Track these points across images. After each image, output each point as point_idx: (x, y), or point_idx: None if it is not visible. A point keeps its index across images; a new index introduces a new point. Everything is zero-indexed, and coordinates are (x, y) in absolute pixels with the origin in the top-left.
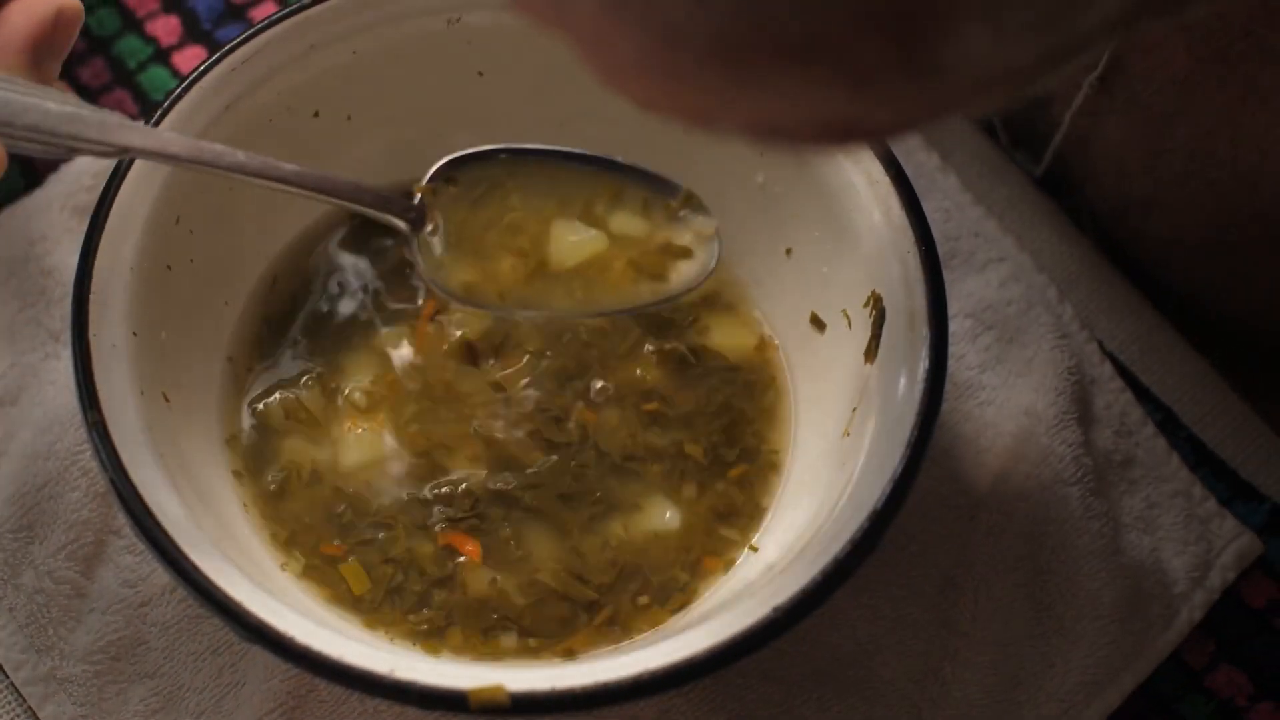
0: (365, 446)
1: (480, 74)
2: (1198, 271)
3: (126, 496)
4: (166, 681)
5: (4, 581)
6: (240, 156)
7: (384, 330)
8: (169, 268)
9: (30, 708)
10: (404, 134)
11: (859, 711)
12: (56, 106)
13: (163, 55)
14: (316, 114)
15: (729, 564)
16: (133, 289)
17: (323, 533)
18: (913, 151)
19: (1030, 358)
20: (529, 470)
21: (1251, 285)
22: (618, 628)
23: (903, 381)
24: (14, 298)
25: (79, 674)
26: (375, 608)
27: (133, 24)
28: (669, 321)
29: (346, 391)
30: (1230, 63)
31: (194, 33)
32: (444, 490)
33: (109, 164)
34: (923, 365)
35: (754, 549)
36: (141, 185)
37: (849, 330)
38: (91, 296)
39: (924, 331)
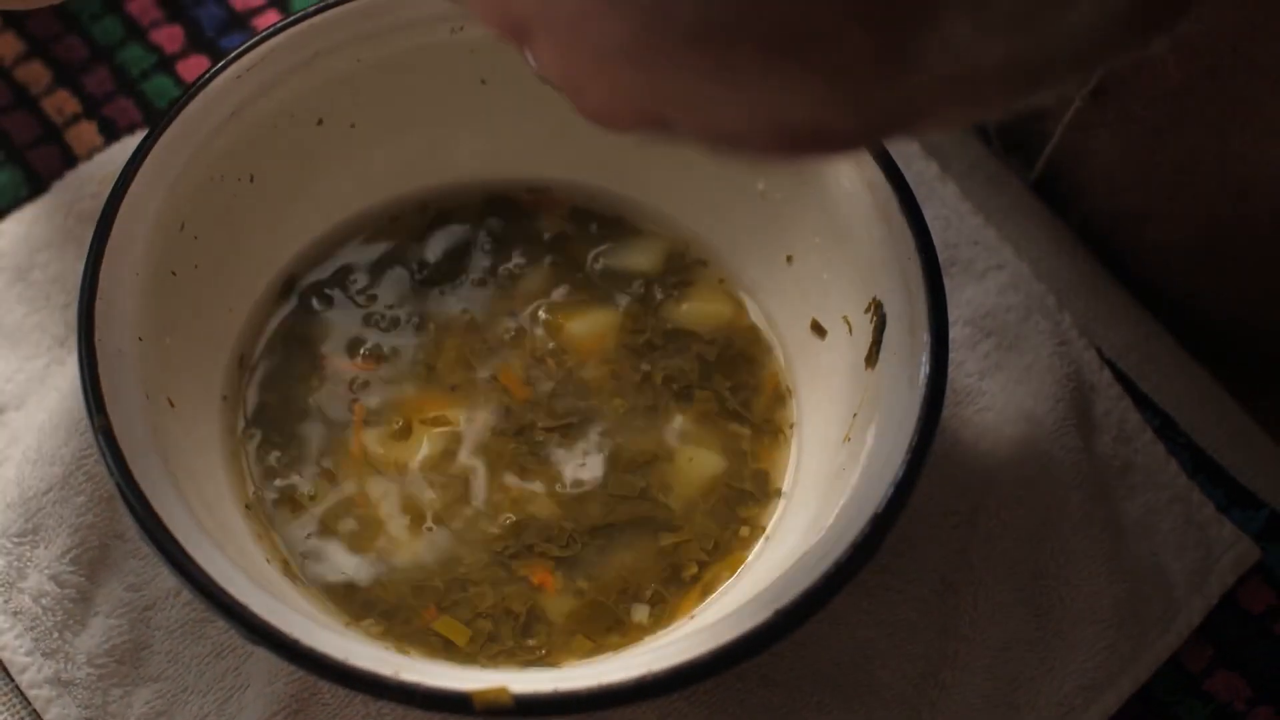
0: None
1: (483, 82)
2: (1190, 281)
3: (132, 500)
4: (170, 685)
5: (9, 585)
6: None
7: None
8: (174, 273)
9: (35, 710)
10: (407, 141)
11: (859, 715)
12: None
13: (166, 64)
14: (320, 122)
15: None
16: (138, 295)
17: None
18: (912, 160)
19: (1029, 364)
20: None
21: (1243, 295)
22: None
23: (903, 387)
24: (19, 303)
25: (83, 677)
26: (472, 656)
27: (136, 33)
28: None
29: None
30: (1219, 77)
31: (198, 42)
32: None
33: (114, 171)
34: (923, 371)
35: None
36: (147, 192)
37: (850, 336)
38: (97, 302)
39: (924, 338)
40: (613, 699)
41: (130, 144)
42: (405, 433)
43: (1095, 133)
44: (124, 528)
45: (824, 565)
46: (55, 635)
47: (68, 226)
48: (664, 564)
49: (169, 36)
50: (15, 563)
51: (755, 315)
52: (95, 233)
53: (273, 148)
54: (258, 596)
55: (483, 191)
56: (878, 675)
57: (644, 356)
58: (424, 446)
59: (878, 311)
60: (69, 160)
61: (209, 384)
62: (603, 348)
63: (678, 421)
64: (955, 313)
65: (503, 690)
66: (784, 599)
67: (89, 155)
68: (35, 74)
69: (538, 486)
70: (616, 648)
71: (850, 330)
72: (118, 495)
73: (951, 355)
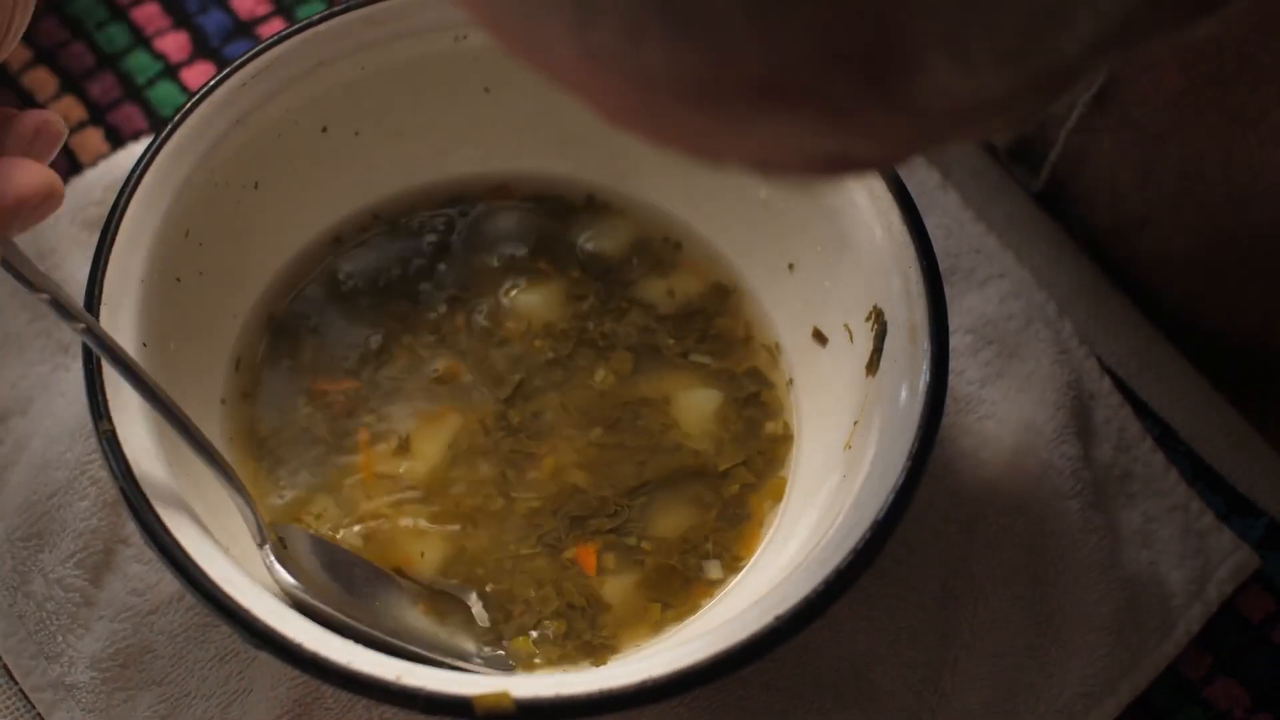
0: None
1: (486, 90)
2: (1190, 289)
3: (136, 504)
4: (174, 688)
5: (13, 589)
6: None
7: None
8: (178, 280)
9: (39, 714)
10: (411, 149)
11: None
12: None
13: (172, 71)
14: (324, 129)
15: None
16: (142, 301)
17: None
18: (914, 169)
19: (1030, 373)
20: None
21: (1243, 303)
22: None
23: (904, 395)
24: (24, 310)
25: (87, 681)
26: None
27: (142, 40)
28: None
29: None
30: (1222, 83)
31: (203, 49)
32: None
33: (119, 177)
34: (924, 379)
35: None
36: (151, 199)
37: (851, 344)
38: (102, 308)
39: (925, 345)
40: (613, 703)
41: (135, 151)
42: (405, 448)
43: (1098, 138)
44: (128, 532)
45: (824, 571)
46: (59, 639)
47: (73, 233)
48: (715, 506)
49: (174, 44)
50: (20, 566)
51: (726, 275)
52: (100, 239)
53: (277, 155)
54: (261, 601)
55: (486, 198)
56: (878, 682)
57: (602, 321)
58: (429, 455)
59: (879, 319)
60: (74, 167)
61: (213, 389)
62: (569, 324)
63: (660, 374)
64: (956, 321)
65: (504, 695)
66: (784, 605)
67: (94, 162)
68: (41, 81)
69: (561, 461)
70: (687, 609)
71: (851, 338)
72: (121, 500)
73: (952, 363)
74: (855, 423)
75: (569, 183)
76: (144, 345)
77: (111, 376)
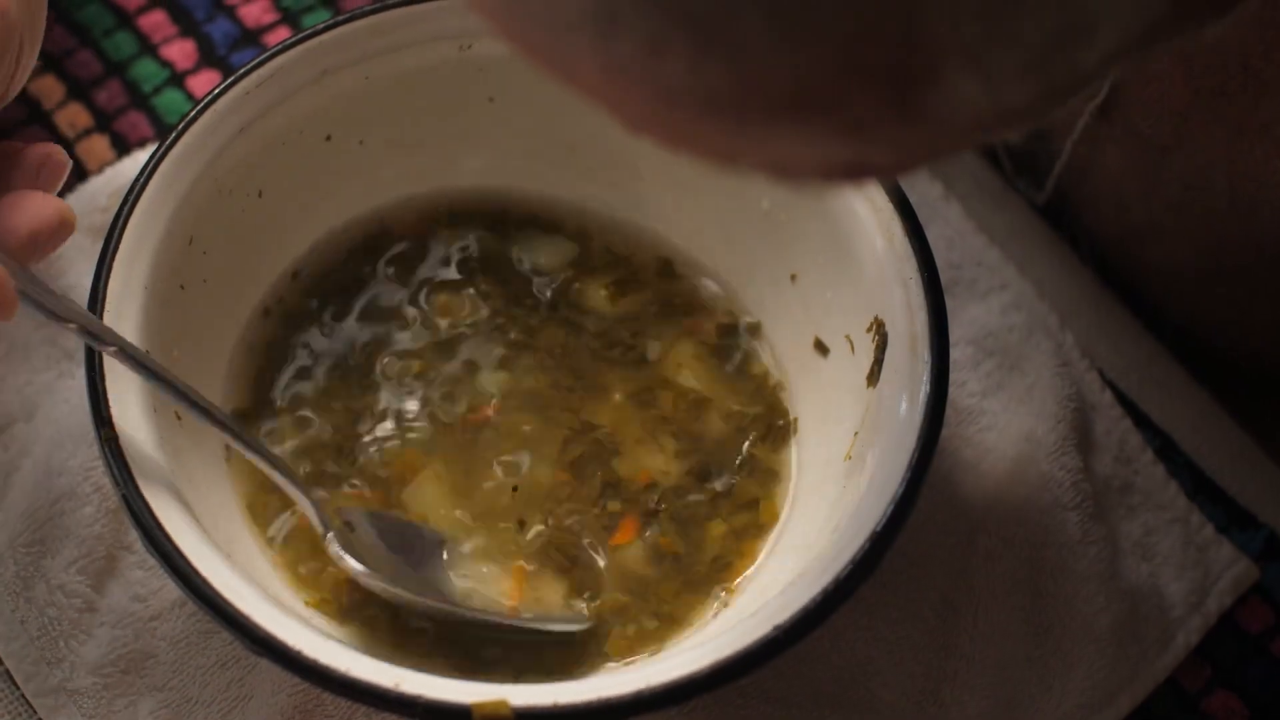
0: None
1: (491, 100)
2: (1194, 301)
3: (138, 512)
4: (175, 695)
5: (16, 594)
6: (185, 392)
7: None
8: (182, 287)
9: (41, 719)
10: (415, 158)
11: None
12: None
13: (178, 79)
14: (329, 138)
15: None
16: (146, 308)
17: None
18: (916, 181)
19: (1031, 384)
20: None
21: (1247, 315)
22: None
23: (904, 406)
24: (29, 316)
25: (89, 686)
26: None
27: (149, 48)
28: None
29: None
30: (1228, 95)
31: (209, 57)
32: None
33: (124, 185)
34: (924, 390)
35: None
36: (156, 206)
37: (852, 355)
38: (105, 316)
39: (925, 357)
40: (611, 713)
41: (141, 158)
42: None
43: (1103, 148)
44: (130, 539)
45: (823, 582)
46: (61, 644)
47: (78, 240)
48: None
49: (181, 52)
50: (22, 572)
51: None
52: (103, 246)
53: (281, 163)
54: (262, 608)
55: (491, 208)
56: (877, 693)
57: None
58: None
59: (880, 331)
60: (80, 174)
61: (216, 397)
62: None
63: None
64: (958, 332)
65: (502, 703)
66: (783, 615)
67: (100, 169)
68: (48, 88)
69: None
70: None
71: (852, 349)
72: (123, 506)
73: (954, 375)
74: (855, 434)
75: (573, 196)
76: (147, 352)
77: (114, 383)
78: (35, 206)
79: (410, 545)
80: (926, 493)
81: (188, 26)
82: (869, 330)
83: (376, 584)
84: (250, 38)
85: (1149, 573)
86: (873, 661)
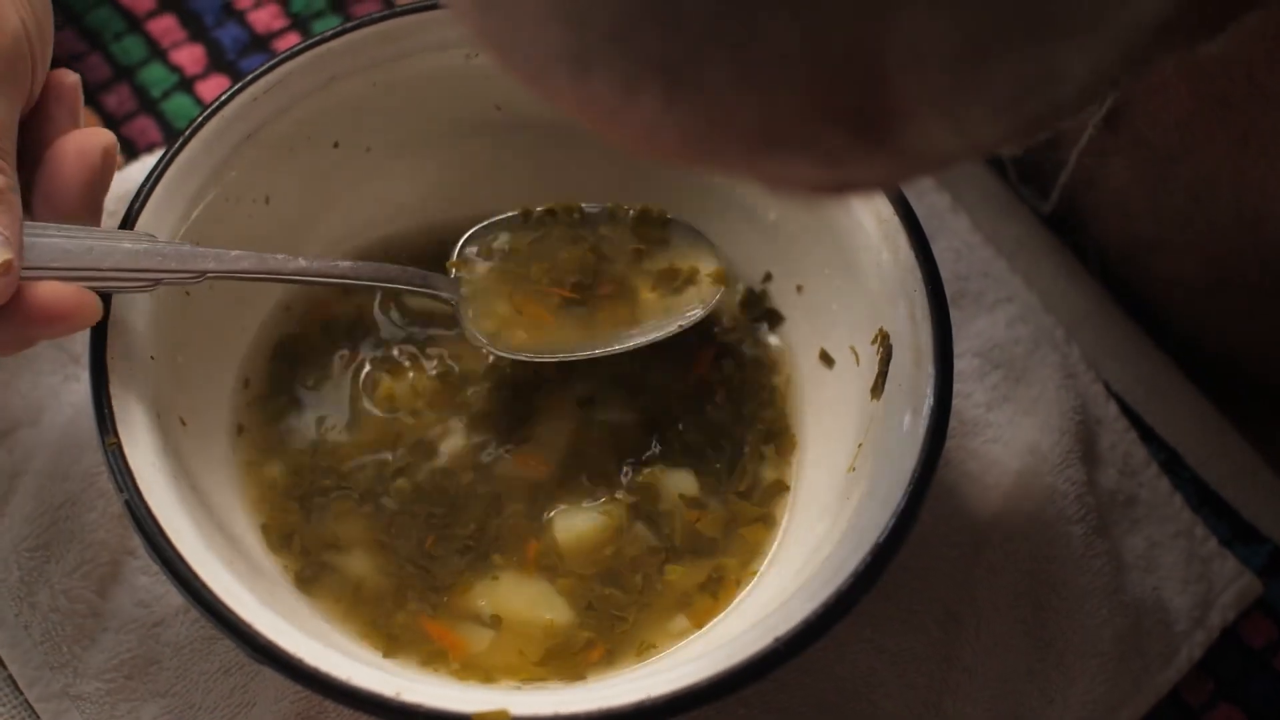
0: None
1: (497, 108)
2: (1200, 312)
3: (141, 518)
4: (178, 701)
5: (20, 599)
6: (301, 262)
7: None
8: (187, 293)
9: None
10: (421, 166)
11: None
12: (133, 245)
13: (186, 84)
14: (336, 144)
15: (736, 587)
16: (151, 314)
17: None
18: (924, 192)
19: (1036, 397)
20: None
21: (1252, 327)
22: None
23: (907, 418)
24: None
25: (92, 691)
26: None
27: (158, 53)
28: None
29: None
30: (1232, 106)
31: (218, 63)
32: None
33: (132, 189)
34: (927, 403)
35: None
36: (162, 213)
37: (856, 367)
38: (111, 321)
39: (929, 370)
40: None
41: (149, 163)
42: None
43: (1109, 160)
44: (135, 544)
45: (825, 593)
46: (65, 649)
47: None
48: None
49: (190, 57)
50: (27, 577)
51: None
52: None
53: (289, 170)
54: (264, 615)
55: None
56: (880, 704)
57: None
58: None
59: (884, 343)
60: None
61: (221, 404)
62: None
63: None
64: (964, 344)
65: (503, 713)
66: (784, 626)
67: None
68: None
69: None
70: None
71: (857, 360)
72: (126, 513)
73: (959, 387)
74: (859, 445)
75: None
76: (152, 358)
77: (119, 388)
78: (74, 157)
79: None
80: (930, 504)
81: (197, 31)
82: (874, 342)
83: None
84: (259, 43)
85: (1152, 586)
86: (875, 673)
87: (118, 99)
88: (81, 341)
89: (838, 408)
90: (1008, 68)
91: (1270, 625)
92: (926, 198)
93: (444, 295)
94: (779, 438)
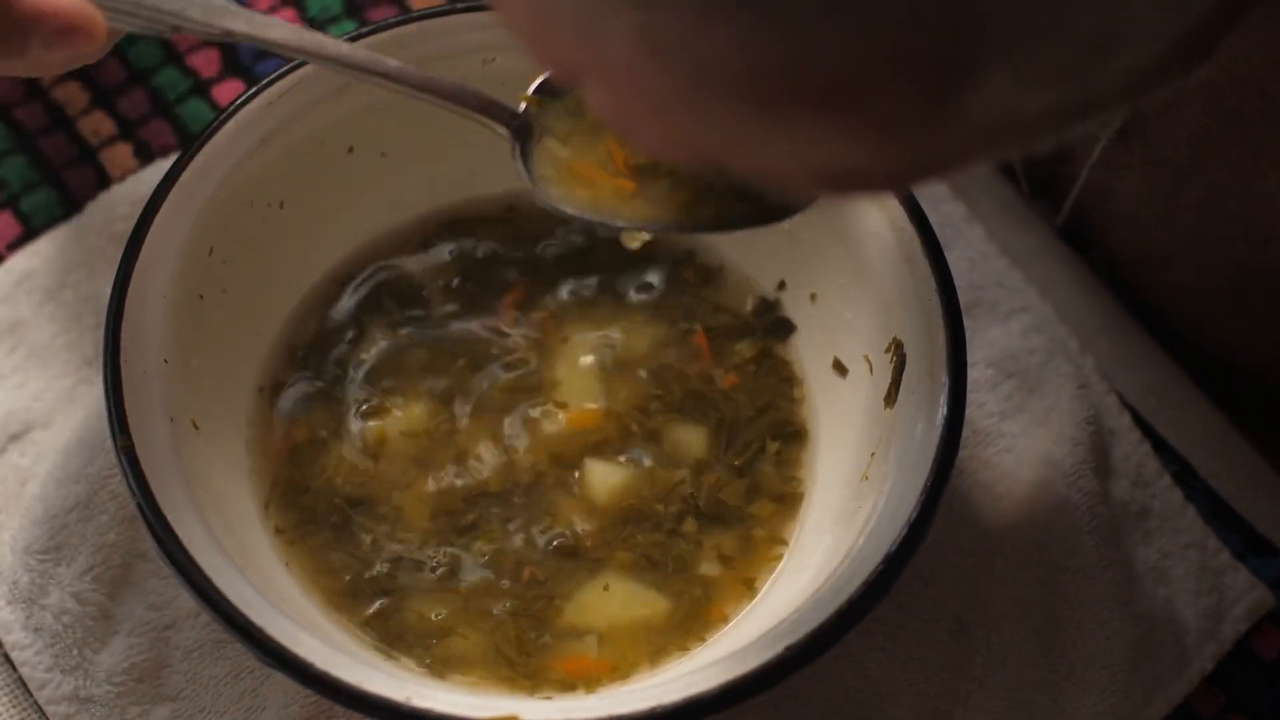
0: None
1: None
2: (1212, 324)
3: (153, 521)
4: (188, 704)
5: (31, 601)
6: (344, 48)
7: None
8: (201, 297)
9: None
10: (437, 171)
11: None
12: None
13: (202, 88)
14: (351, 149)
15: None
16: (165, 317)
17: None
18: (940, 201)
19: (1050, 407)
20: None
21: (1265, 341)
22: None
23: (921, 428)
24: (49, 322)
25: (102, 694)
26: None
27: (173, 57)
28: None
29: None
30: (1244, 122)
31: (233, 67)
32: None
33: (147, 193)
34: (941, 412)
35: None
36: (177, 215)
37: (870, 375)
38: (124, 324)
39: (943, 379)
40: None
41: (164, 167)
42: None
43: (1120, 174)
44: (146, 547)
45: (836, 602)
46: (75, 652)
47: (100, 247)
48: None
49: (205, 61)
50: (38, 579)
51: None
52: (123, 255)
53: (303, 174)
54: (275, 620)
55: (511, 220)
56: (890, 713)
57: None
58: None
59: (898, 352)
60: (103, 181)
61: (234, 408)
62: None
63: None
64: (978, 354)
65: (513, 718)
66: (796, 635)
67: (123, 177)
68: (72, 95)
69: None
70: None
71: (871, 369)
72: (139, 516)
73: (973, 396)
74: (872, 454)
75: None
76: (165, 361)
77: (132, 391)
78: None
79: None
80: (943, 513)
81: None
82: (887, 351)
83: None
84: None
85: (1164, 598)
86: (886, 682)
87: (133, 102)
88: (94, 345)
89: (851, 416)
90: (1079, 20)
91: None
92: (941, 206)
93: (499, 129)
94: (792, 444)
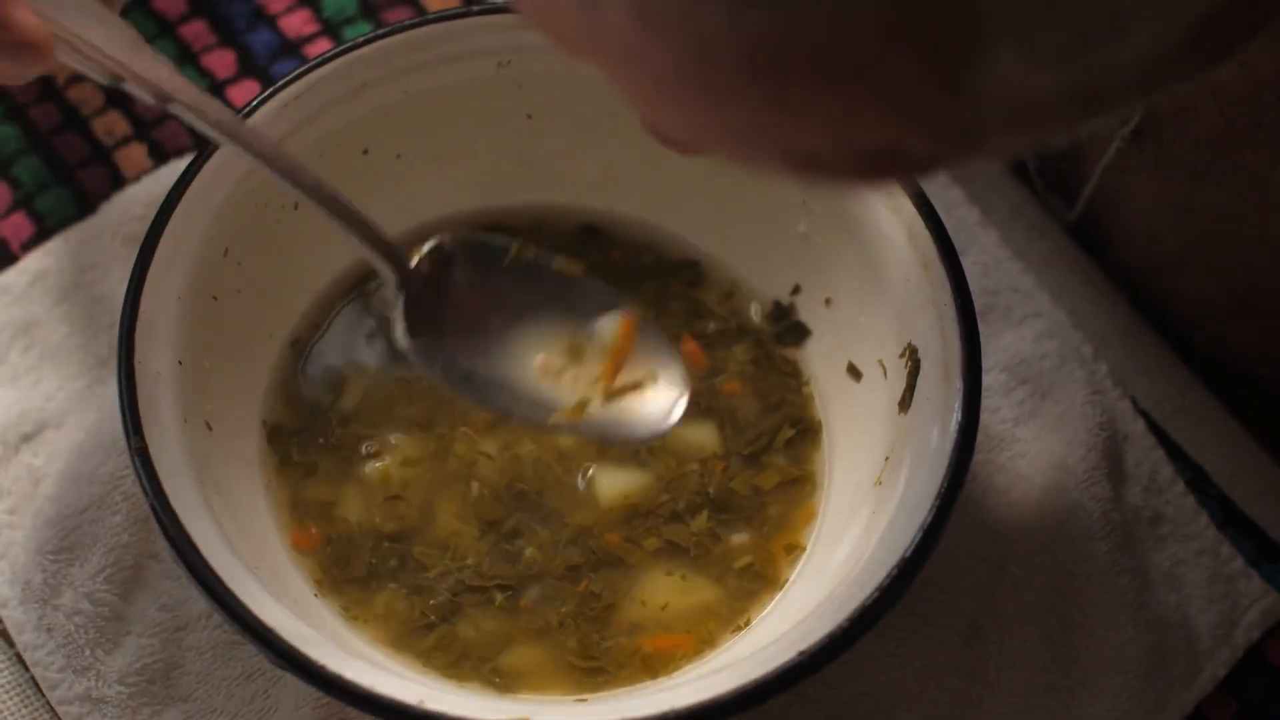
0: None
1: (529, 117)
2: (1223, 330)
3: (166, 522)
4: (200, 705)
5: (43, 602)
6: (267, 146)
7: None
8: (215, 298)
9: None
10: (452, 173)
11: None
12: (115, 31)
13: (217, 89)
14: (366, 151)
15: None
16: (179, 318)
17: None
18: (954, 206)
19: (1063, 413)
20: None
21: (1275, 346)
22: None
23: (935, 433)
24: (63, 323)
25: (114, 695)
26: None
27: (189, 57)
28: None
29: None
30: (1261, 126)
31: (249, 68)
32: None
33: (161, 194)
34: (955, 417)
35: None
36: (191, 217)
37: (884, 380)
38: (138, 325)
39: (958, 384)
40: None
41: (178, 167)
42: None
43: (1134, 176)
44: (159, 548)
45: (850, 607)
46: (87, 653)
47: (114, 248)
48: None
49: (221, 62)
50: (50, 580)
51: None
52: (138, 256)
53: (319, 174)
54: (287, 622)
55: (526, 224)
56: (901, 717)
57: None
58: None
59: (912, 356)
60: (117, 182)
61: (248, 409)
62: None
63: None
64: (991, 359)
65: None
66: (809, 640)
67: (137, 178)
68: (87, 95)
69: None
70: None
71: (885, 374)
72: (151, 517)
73: (986, 401)
74: (886, 459)
75: (611, 213)
76: (180, 363)
77: (146, 392)
78: None
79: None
80: (956, 518)
81: (228, 36)
82: (902, 356)
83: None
84: (290, 49)
85: (1177, 604)
86: (899, 687)
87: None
88: (108, 345)
89: (865, 421)
90: None
91: None
92: (956, 211)
93: (386, 271)
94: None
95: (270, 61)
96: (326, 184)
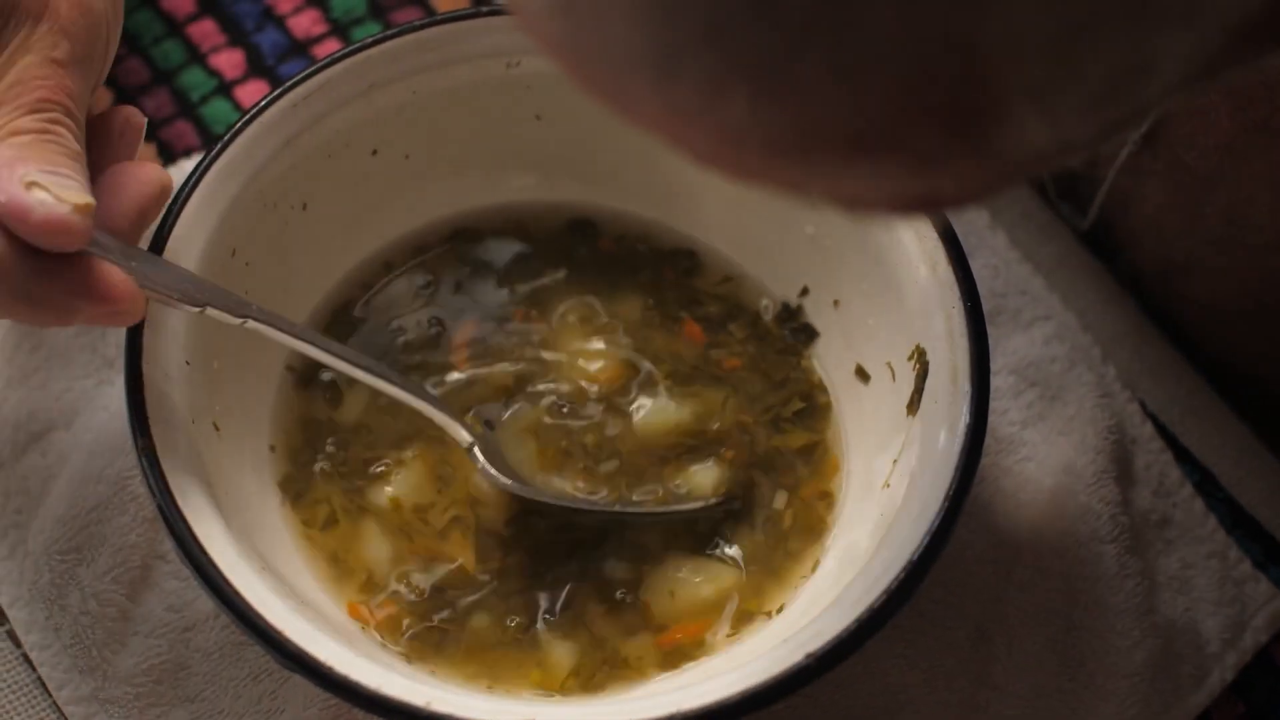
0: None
1: (538, 118)
2: (1234, 334)
3: (173, 523)
4: (207, 706)
5: (50, 602)
6: (348, 352)
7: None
8: None
9: None
10: (461, 174)
11: None
12: (182, 271)
13: (225, 89)
14: (375, 152)
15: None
16: (187, 319)
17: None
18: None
19: (1072, 416)
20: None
21: None
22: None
23: (943, 435)
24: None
25: (121, 695)
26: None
27: (197, 57)
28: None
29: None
30: (1272, 130)
31: (257, 68)
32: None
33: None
34: (963, 420)
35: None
36: (199, 218)
37: (893, 383)
38: (146, 325)
39: (966, 387)
40: None
41: (187, 167)
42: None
43: (1146, 180)
44: (166, 548)
45: (857, 610)
46: (95, 653)
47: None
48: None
49: (229, 62)
50: (57, 580)
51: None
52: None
53: (327, 176)
54: (294, 623)
55: (533, 224)
56: None
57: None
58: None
59: (921, 359)
60: None
61: (256, 410)
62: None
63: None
64: (1000, 361)
65: None
66: (816, 642)
67: None
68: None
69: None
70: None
71: (893, 376)
72: (158, 517)
73: (995, 404)
74: (894, 461)
75: (617, 214)
76: (187, 363)
77: (153, 393)
78: (135, 183)
79: None
80: (964, 521)
81: (236, 36)
82: (910, 358)
83: (524, 491)
84: (299, 49)
85: (1185, 608)
86: (906, 689)
87: (156, 102)
88: (116, 345)
89: (873, 424)
90: (1104, 54)
91: None
92: (964, 215)
93: (463, 436)
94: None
95: (279, 62)
96: (412, 380)
